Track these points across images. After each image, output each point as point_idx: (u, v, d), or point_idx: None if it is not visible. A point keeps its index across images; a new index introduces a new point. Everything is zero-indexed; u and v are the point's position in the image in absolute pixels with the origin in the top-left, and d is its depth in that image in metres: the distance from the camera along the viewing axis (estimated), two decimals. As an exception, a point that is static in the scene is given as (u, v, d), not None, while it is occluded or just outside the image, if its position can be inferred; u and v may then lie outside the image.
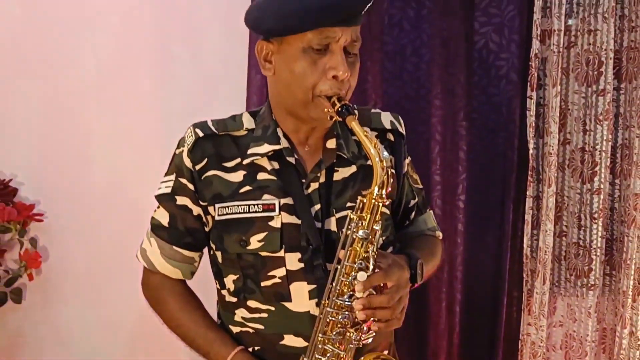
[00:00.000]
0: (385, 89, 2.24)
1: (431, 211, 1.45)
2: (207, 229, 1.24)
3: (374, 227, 1.10)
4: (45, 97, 2.20)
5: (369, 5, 1.10)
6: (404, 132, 1.33)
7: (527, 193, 2.22)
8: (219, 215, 1.19)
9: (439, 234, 1.43)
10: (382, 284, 1.10)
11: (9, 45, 2.18)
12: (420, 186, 1.42)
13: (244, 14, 1.17)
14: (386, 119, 1.32)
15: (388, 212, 1.26)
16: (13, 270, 2.17)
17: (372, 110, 1.32)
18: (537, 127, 2.24)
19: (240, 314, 1.23)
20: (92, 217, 2.26)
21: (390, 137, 1.30)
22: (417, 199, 1.39)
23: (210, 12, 2.20)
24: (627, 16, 2.21)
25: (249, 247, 1.17)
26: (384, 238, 1.25)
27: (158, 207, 1.26)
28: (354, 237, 1.10)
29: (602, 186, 2.20)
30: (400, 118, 1.34)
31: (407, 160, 1.35)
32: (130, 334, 2.29)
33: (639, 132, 2.16)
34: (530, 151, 2.21)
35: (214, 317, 1.31)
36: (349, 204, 1.19)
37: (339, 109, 1.09)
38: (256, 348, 1.22)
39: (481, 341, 2.33)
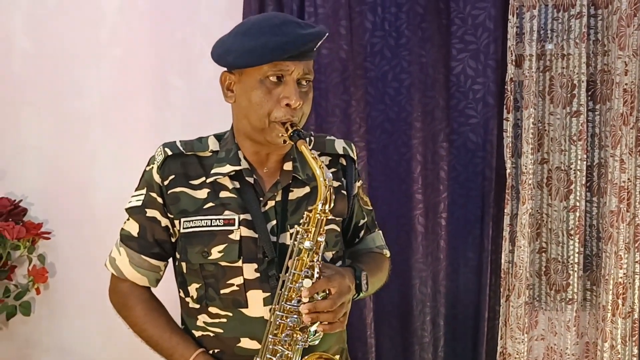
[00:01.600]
0: (369, 112, 2.37)
1: (380, 231, 1.56)
2: (173, 240, 1.35)
3: (318, 238, 1.22)
4: (54, 125, 2.38)
5: (319, 43, 1.25)
6: (355, 157, 1.46)
7: (505, 211, 2.31)
8: (183, 228, 1.30)
9: (387, 252, 1.54)
10: (326, 291, 1.22)
11: (21, 76, 2.37)
12: (370, 207, 1.54)
13: (211, 49, 1.31)
14: (339, 145, 1.44)
15: (338, 229, 1.39)
16: (22, 285, 2.34)
17: (327, 137, 1.45)
18: (515, 147, 2.34)
19: (202, 319, 1.33)
20: (96, 235, 2.40)
21: (343, 161, 1.43)
22: (366, 219, 1.51)
23: (205, 44, 2.36)
24: (600, 41, 2.31)
25: (210, 258, 1.28)
26: (333, 253, 1.38)
27: (128, 219, 1.38)
28: (301, 247, 1.22)
29: (577, 204, 2.28)
30: (352, 145, 1.47)
31: (358, 183, 1.48)
32: (132, 346, 2.42)
33: (613, 152, 2.24)
34: (508, 170, 2.31)
35: (178, 322, 1.43)
36: (302, 221, 1.31)
37: (291, 134, 1.23)
38: (216, 350, 1.33)
39: (465, 354, 2.41)
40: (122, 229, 1.39)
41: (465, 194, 2.37)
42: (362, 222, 1.50)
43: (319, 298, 1.22)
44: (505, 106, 2.29)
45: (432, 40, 2.32)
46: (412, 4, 2.31)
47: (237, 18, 2.31)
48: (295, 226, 1.25)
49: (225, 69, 1.31)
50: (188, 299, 1.36)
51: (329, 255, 1.36)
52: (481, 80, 2.32)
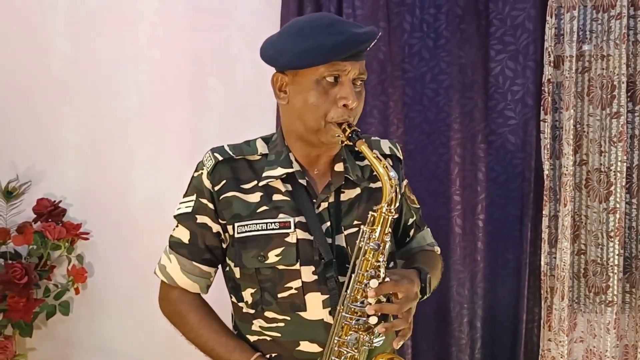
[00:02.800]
0: (407, 113, 2.36)
1: (428, 229, 1.55)
2: (224, 246, 1.34)
3: (384, 238, 1.22)
4: (93, 127, 2.40)
5: (373, 43, 1.24)
6: (401, 157, 1.45)
7: (544, 212, 2.30)
8: (238, 233, 1.29)
9: (437, 249, 1.53)
10: (392, 294, 1.22)
11: (60, 78, 2.38)
12: (417, 206, 1.53)
13: (260, 50, 1.31)
14: (385, 145, 1.43)
15: (390, 229, 1.38)
16: (62, 285, 2.35)
17: (373, 138, 1.44)
18: (553, 149, 2.33)
19: (258, 324, 1.32)
20: (133, 236, 2.43)
21: (389, 161, 1.41)
22: (414, 218, 1.50)
23: (242, 45, 2.38)
24: (640, 42, 2.30)
25: (266, 262, 1.27)
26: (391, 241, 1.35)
27: (177, 226, 1.35)
28: (366, 248, 1.21)
29: (617, 205, 2.27)
30: (397, 145, 1.46)
31: (405, 183, 1.47)
32: (170, 344, 2.44)
33: (654, 153, 2.23)
34: (546, 172, 2.30)
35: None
36: (355, 222, 1.31)
37: (350, 135, 1.22)
38: (273, 355, 1.31)
39: (503, 356, 2.40)
40: (172, 235, 1.37)
41: (504, 195, 2.36)
42: (411, 220, 1.49)
43: (384, 300, 1.22)
44: (542, 107, 2.28)
45: (470, 41, 2.32)
46: (451, 5, 2.31)
47: (274, 20, 2.32)
48: (362, 226, 1.24)
49: (276, 69, 1.29)
50: (242, 304, 1.35)
51: (388, 251, 1.34)
52: (520, 81, 2.32)
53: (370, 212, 1.23)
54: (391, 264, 1.41)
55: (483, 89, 2.34)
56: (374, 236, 1.21)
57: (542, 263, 2.31)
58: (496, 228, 2.38)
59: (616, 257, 2.29)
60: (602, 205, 2.32)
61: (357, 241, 1.23)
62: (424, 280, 1.28)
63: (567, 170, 2.24)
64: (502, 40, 2.32)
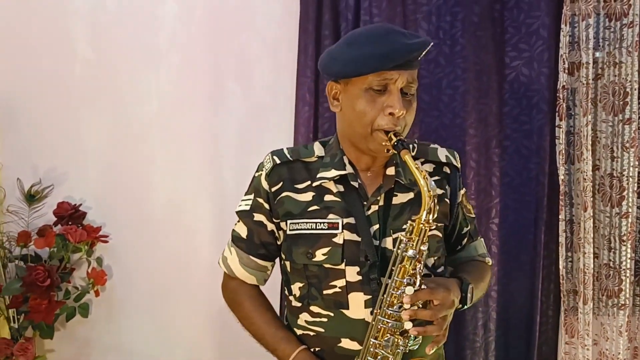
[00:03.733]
0: (422, 118, 2.39)
1: (482, 239, 1.57)
2: (279, 243, 1.42)
3: (421, 247, 1.25)
4: (113, 130, 2.43)
5: (424, 53, 1.28)
6: (458, 166, 1.46)
7: (560, 217, 2.34)
8: (290, 230, 1.36)
9: (489, 261, 1.55)
10: (429, 301, 1.24)
11: (82, 82, 2.41)
12: (473, 216, 1.55)
13: (319, 60, 1.36)
14: (442, 153, 1.45)
15: (440, 235, 1.41)
16: (82, 287, 2.38)
17: (431, 145, 1.47)
18: (567, 154, 2.37)
19: (304, 317, 1.38)
20: (152, 239, 2.46)
21: (446, 169, 1.45)
22: (469, 227, 1.51)
23: (261, 50, 2.41)
24: (651, 49, 2.34)
25: (314, 259, 1.33)
26: (435, 259, 1.39)
27: (238, 222, 1.45)
28: (404, 255, 1.25)
29: (630, 210, 2.31)
30: (455, 153, 1.48)
31: (462, 192, 1.49)
32: (188, 346, 2.47)
33: (666, 159, 2.28)
34: (561, 177, 2.33)
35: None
36: (405, 226, 1.33)
37: (395, 143, 1.25)
38: (317, 349, 1.37)
39: (517, 359, 2.43)
40: (233, 230, 1.47)
41: (518, 199, 2.39)
42: (465, 229, 1.51)
43: (420, 306, 1.25)
44: (557, 113, 2.32)
45: (486, 48, 2.35)
46: (467, 13, 2.34)
47: (293, 25, 2.36)
48: (399, 234, 1.27)
49: (332, 79, 1.34)
50: (291, 297, 1.42)
51: (431, 261, 1.38)
52: (535, 87, 2.35)
53: (409, 222, 1.26)
54: (440, 269, 1.43)
55: (498, 94, 2.37)
56: (411, 245, 1.25)
57: (560, 267, 2.34)
58: (510, 232, 2.41)
59: (628, 260, 2.33)
60: (614, 209, 2.36)
61: (395, 248, 1.27)
62: (465, 290, 1.31)
63: (586, 175, 2.28)
64: (517, 47, 2.36)
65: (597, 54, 2.38)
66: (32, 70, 2.40)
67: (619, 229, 2.35)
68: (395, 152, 1.26)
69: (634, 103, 2.29)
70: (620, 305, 2.36)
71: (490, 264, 1.55)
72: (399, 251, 1.26)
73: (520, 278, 2.41)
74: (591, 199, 2.31)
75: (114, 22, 2.40)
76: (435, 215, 1.25)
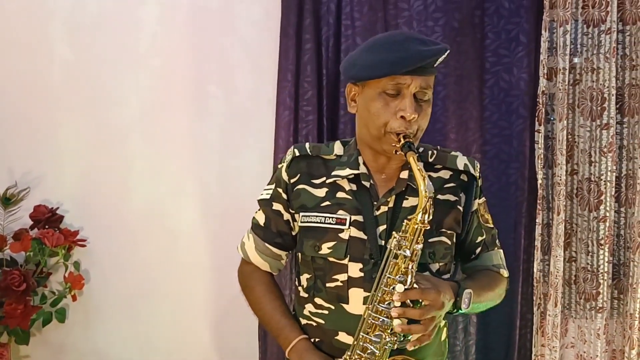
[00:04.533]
0: None
1: (500, 250, 1.56)
2: (294, 233, 1.48)
3: (415, 246, 1.27)
4: (91, 132, 2.40)
5: (441, 60, 1.31)
6: (476, 175, 1.48)
7: (537, 220, 2.36)
8: (301, 222, 1.42)
9: (504, 272, 1.54)
10: (420, 301, 1.25)
11: (60, 84, 2.38)
12: (491, 225, 1.55)
13: (341, 64, 1.43)
14: (461, 161, 1.47)
15: (449, 242, 1.42)
16: (58, 292, 2.34)
17: (452, 153, 1.49)
18: (546, 159, 2.40)
19: (309, 308, 1.44)
20: (131, 243, 2.43)
21: (464, 177, 1.46)
22: (484, 237, 1.52)
23: (242, 54, 2.40)
24: (628, 55, 2.37)
25: (320, 252, 1.39)
26: (440, 265, 1.41)
27: (259, 210, 1.52)
28: (397, 253, 1.27)
29: (607, 214, 2.34)
30: (476, 162, 1.49)
31: (480, 200, 1.50)
32: (165, 351, 2.44)
33: (642, 163, 2.31)
34: (540, 181, 2.36)
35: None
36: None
37: (402, 145, 1.29)
38: (317, 339, 1.43)
39: (496, 362, 2.45)
40: (254, 217, 1.54)
41: (497, 204, 2.40)
42: (479, 239, 1.51)
43: (410, 305, 1.25)
44: (537, 118, 2.35)
45: (466, 54, 2.37)
46: (447, 19, 2.36)
47: (274, 30, 2.36)
48: (394, 232, 1.29)
49: (351, 81, 1.40)
50: (300, 288, 1.48)
51: (436, 266, 1.40)
52: (514, 93, 2.38)
53: (405, 220, 1.29)
54: (446, 275, 1.44)
55: (478, 99, 2.39)
56: (405, 243, 1.26)
57: (535, 270, 2.37)
58: (490, 236, 2.42)
59: (606, 264, 2.36)
60: (592, 213, 2.39)
61: (389, 245, 1.28)
62: (460, 294, 1.31)
63: (560, 179, 2.31)
64: (497, 52, 2.38)
65: (575, 60, 2.41)
66: (8, 70, 2.36)
67: (596, 232, 2.38)
68: (402, 152, 1.29)
69: (612, 108, 2.33)
70: (598, 308, 2.39)
71: (505, 275, 1.55)
72: (392, 248, 1.27)
73: (500, 282, 2.42)
74: (564, 203, 2.34)
75: (94, 23, 2.37)
76: (431, 217, 1.26)
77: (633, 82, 2.37)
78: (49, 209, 2.33)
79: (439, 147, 1.51)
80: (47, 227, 2.30)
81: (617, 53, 2.34)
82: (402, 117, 1.30)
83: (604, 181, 2.35)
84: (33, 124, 2.38)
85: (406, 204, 1.39)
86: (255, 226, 1.54)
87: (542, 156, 2.36)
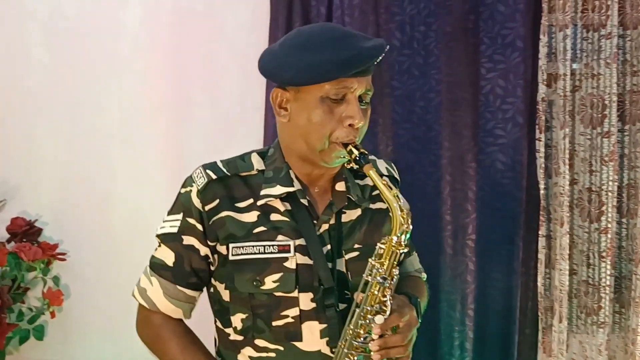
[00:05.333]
0: (396, 131, 2.32)
1: (416, 253, 1.47)
2: (212, 268, 1.25)
3: (393, 272, 1.15)
4: (71, 140, 2.32)
5: (381, 57, 1.18)
6: (398, 178, 1.39)
7: (540, 232, 2.27)
8: (233, 255, 1.21)
9: (424, 276, 1.46)
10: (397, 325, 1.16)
11: (37, 89, 2.30)
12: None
13: (258, 62, 1.23)
14: (382, 165, 1.36)
15: None
16: (36, 308, 2.24)
17: (370, 157, 1.35)
18: (545, 168, 2.31)
19: (247, 352, 1.24)
20: (113, 256, 2.33)
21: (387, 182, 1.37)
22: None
23: (229, 58, 2.32)
24: (629, 61, 2.29)
25: (263, 287, 1.19)
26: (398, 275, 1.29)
27: (160, 246, 1.26)
28: (373, 282, 1.15)
29: (609, 225, 2.25)
30: (394, 165, 1.40)
31: None
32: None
33: (644, 173, 2.23)
34: (542, 191, 2.27)
35: None
36: (356, 246, 1.24)
37: (357, 157, 1.15)
38: None
39: (494, 379, 2.35)
40: (154, 256, 1.27)
41: (493, 215, 2.32)
42: None
43: (389, 333, 1.15)
44: (537, 126, 2.26)
45: (460, 59, 2.29)
46: (441, 23, 2.28)
47: (262, 32, 2.28)
48: (369, 259, 1.17)
49: (277, 85, 1.22)
50: (229, 330, 1.26)
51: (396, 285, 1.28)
52: (511, 100, 2.29)
53: (379, 244, 1.17)
54: None
55: (473, 107, 2.30)
56: (381, 270, 1.15)
57: (539, 284, 2.27)
58: (487, 248, 2.33)
59: (608, 277, 2.27)
60: (593, 225, 2.30)
61: (364, 275, 1.16)
62: (416, 305, 1.23)
63: (562, 189, 2.22)
64: (492, 58, 2.29)
65: (575, 66, 2.33)
66: (-17, 76, 2.27)
67: (598, 244, 2.29)
68: (357, 167, 1.16)
69: (613, 116, 2.24)
70: (599, 323, 2.29)
71: (424, 279, 1.46)
72: (368, 277, 1.16)
73: (497, 296, 2.33)
74: (568, 214, 2.25)
75: (73, 26, 2.30)
76: (408, 236, 1.15)
77: (634, 89, 2.28)
78: (27, 222, 2.23)
79: None
80: (24, 240, 2.21)
81: (618, 58, 2.25)
82: (350, 125, 1.15)
83: (605, 191, 2.26)
84: (9, 131, 2.30)
85: (345, 218, 1.26)
86: (159, 267, 1.24)
87: (542, 165, 2.27)
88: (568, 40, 2.23)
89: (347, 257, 1.24)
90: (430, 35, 2.30)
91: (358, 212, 1.28)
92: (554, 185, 2.28)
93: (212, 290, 1.29)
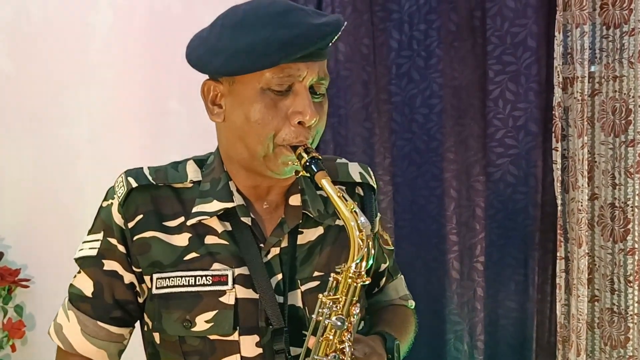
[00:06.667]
0: (394, 141, 2.14)
1: (402, 276, 1.25)
2: (140, 300, 1.03)
3: (352, 310, 0.92)
4: (36, 155, 2.14)
5: (335, 39, 0.94)
6: (374, 185, 1.15)
7: (558, 254, 2.02)
8: (157, 287, 0.99)
9: (412, 303, 1.24)
10: None
11: (1, 101, 2.12)
12: (392, 247, 1.22)
13: (186, 50, 1.00)
14: (354, 170, 1.13)
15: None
16: (-5, 341, 2.03)
17: (338, 161, 1.14)
18: (562, 181, 2.06)
19: None
20: (82, 282, 2.12)
21: (360, 191, 1.12)
22: (387, 263, 1.20)
23: (208, 64, 2.11)
24: (656, 60, 2.04)
25: (194, 329, 0.97)
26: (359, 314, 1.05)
27: (79, 273, 1.04)
28: (326, 323, 0.91)
29: (636, 245, 2.00)
30: (369, 169, 1.16)
31: (377, 218, 1.16)
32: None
33: (676, 186, 1.97)
34: (559, 207, 2.02)
35: None
36: (316, 273, 1.02)
37: (307, 163, 0.92)
38: None
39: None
40: (71, 285, 1.05)
41: (504, 234, 2.10)
42: (383, 266, 1.18)
43: None
44: (553, 134, 2.01)
45: (466, 61, 2.08)
46: (443, 21, 2.07)
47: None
48: (320, 295, 0.93)
49: (208, 76, 0.99)
50: None
51: (358, 325, 1.04)
52: (523, 106, 2.06)
53: (333, 275, 0.92)
54: (361, 324, 1.09)
55: (480, 114, 2.09)
56: (336, 308, 0.91)
57: (558, 313, 2.02)
58: (497, 272, 2.11)
59: (635, 305, 2.01)
60: (617, 245, 2.04)
61: (314, 314, 0.92)
62: (391, 350, 1.00)
63: (581, 205, 1.97)
64: (501, 59, 2.07)
65: (594, 67, 2.09)
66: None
67: (623, 267, 2.03)
68: (308, 175, 0.93)
69: (638, 122, 1.99)
70: (627, 357, 2.03)
71: (412, 307, 1.23)
72: (320, 317, 0.91)
73: (510, 327, 2.11)
74: (587, 233, 2.00)
75: (38, 31, 2.11)
76: (370, 263, 0.91)
77: (662, 91, 2.03)
78: (-15, 245, 2.03)
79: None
80: (-18, 265, 2.00)
81: (642, 58, 2.01)
82: (299, 123, 0.92)
83: (631, 207, 2.00)
84: None
85: (301, 239, 1.02)
86: (76, 298, 1.02)
87: (559, 178, 2.02)
88: (586, 38, 1.99)
89: (303, 288, 1.01)
90: (431, 35, 2.10)
91: (319, 231, 1.04)
92: (570, 201, 2.03)
93: (145, 328, 1.05)
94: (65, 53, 2.11)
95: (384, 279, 1.20)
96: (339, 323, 0.90)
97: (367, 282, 0.92)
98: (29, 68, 2.11)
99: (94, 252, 1.02)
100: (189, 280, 0.97)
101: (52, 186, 2.12)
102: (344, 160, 1.14)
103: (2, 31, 2.11)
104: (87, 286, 1.02)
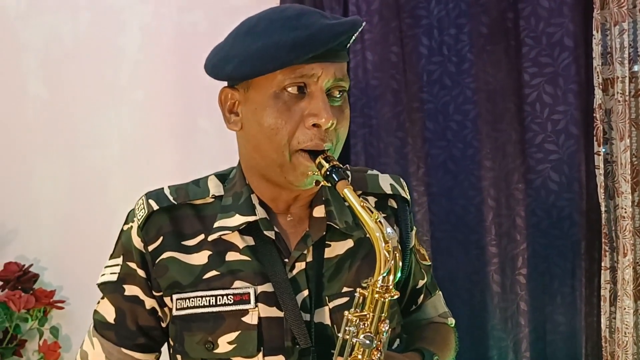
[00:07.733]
0: (428, 150, 2.07)
1: (440, 293, 1.19)
2: (164, 325, 1.01)
3: (381, 327, 0.86)
4: (70, 178, 2.19)
5: (355, 35, 0.91)
6: (408, 197, 1.09)
7: (603, 264, 1.90)
8: (177, 309, 0.96)
9: (452, 321, 1.17)
10: None
11: (34, 125, 2.19)
12: (429, 263, 1.16)
13: (205, 61, 0.98)
14: (385, 182, 1.08)
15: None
16: (32, 363, 2.04)
17: (369, 172, 1.09)
18: (605, 187, 1.95)
19: None
20: (117, 303, 2.12)
21: (393, 203, 1.07)
22: (425, 279, 1.14)
23: (236, 81, 2.11)
24: None
25: (216, 351, 0.93)
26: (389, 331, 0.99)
27: (102, 299, 1.03)
28: (354, 342, 0.86)
29: (691, 254, 1.87)
30: (402, 180, 1.11)
31: (413, 232, 1.10)
32: None
33: None
34: (604, 214, 1.91)
35: None
36: (345, 289, 0.96)
37: (327, 172, 0.87)
38: None
39: None
40: (96, 311, 1.03)
41: (548, 244, 1.99)
42: (421, 283, 1.12)
43: None
44: (595, 137, 1.91)
45: (499, 65, 2.00)
46: (474, 24, 2.01)
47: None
48: (346, 312, 0.87)
49: (226, 84, 0.97)
50: None
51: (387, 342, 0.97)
52: (562, 109, 1.97)
53: (359, 290, 0.87)
54: (396, 343, 1.04)
55: (517, 119, 2.00)
56: (364, 325, 0.85)
57: (604, 326, 1.89)
58: (542, 284, 1.99)
59: (687, 318, 1.87)
60: (668, 254, 1.91)
61: (340, 333, 0.87)
62: None
63: (625, 212, 1.85)
64: (537, 61, 1.98)
65: (636, 67, 1.98)
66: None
67: (678, 278, 1.90)
68: (329, 184, 0.88)
69: (685, 122, 1.87)
70: (682, 373, 1.89)
71: (453, 325, 1.16)
72: (346, 336, 0.86)
73: (558, 342, 1.98)
74: (632, 241, 1.88)
75: (70, 55, 2.17)
76: (399, 276, 0.85)
77: None
78: (21, 267, 2.07)
79: (347, 166, 1.08)
80: (19, 287, 2.02)
81: (689, 53, 1.90)
82: (315, 125, 0.88)
83: (681, 213, 1.88)
84: (4, 170, 2.19)
85: (329, 253, 0.97)
86: (101, 325, 1.00)
87: (602, 184, 1.91)
88: (625, 36, 1.89)
89: (331, 304, 0.96)
90: (462, 39, 2.03)
91: (349, 244, 0.99)
92: (615, 208, 1.92)
93: (170, 351, 1.02)
94: (95, 76, 2.16)
95: (422, 296, 1.14)
96: (367, 342, 0.84)
97: (395, 297, 0.86)
98: (62, 91, 2.17)
99: (114, 277, 1.01)
100: (209, 301, 0.94)
101: (85, 207, 2.15)
102: (375, 171, 1.09)
103: (36, 58, 2.16)
104: (109, 312, 1.01)
